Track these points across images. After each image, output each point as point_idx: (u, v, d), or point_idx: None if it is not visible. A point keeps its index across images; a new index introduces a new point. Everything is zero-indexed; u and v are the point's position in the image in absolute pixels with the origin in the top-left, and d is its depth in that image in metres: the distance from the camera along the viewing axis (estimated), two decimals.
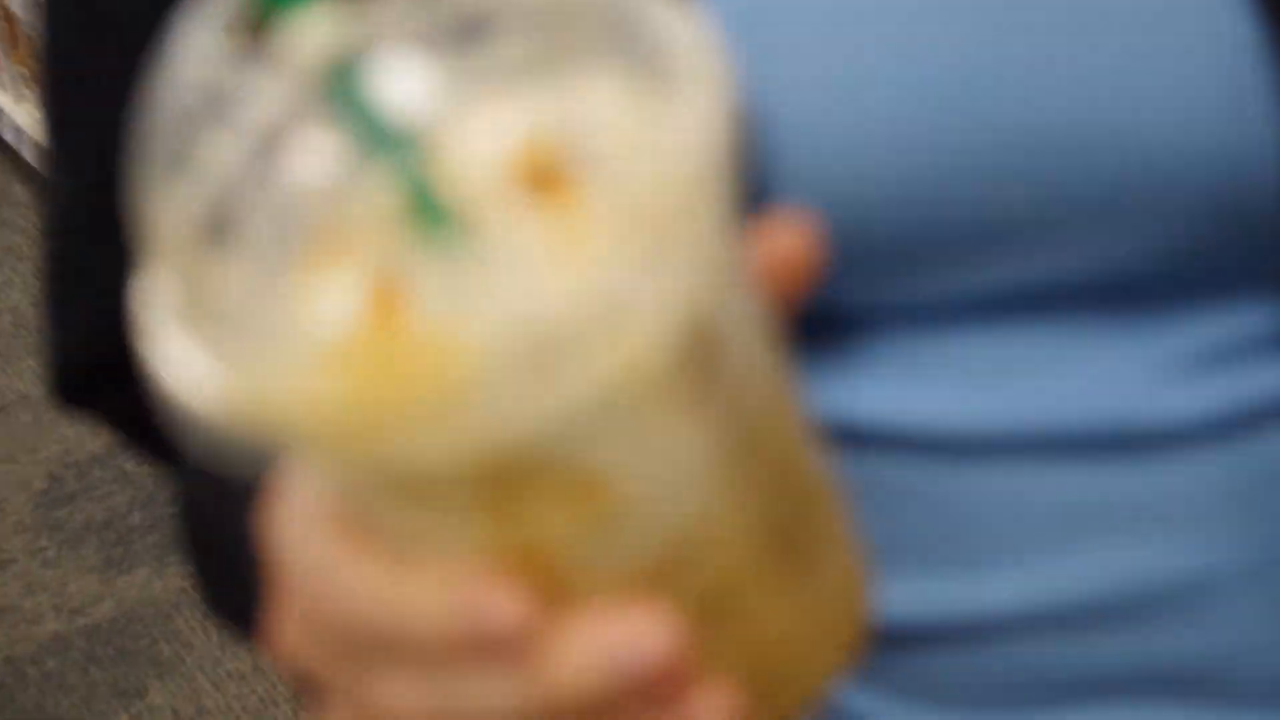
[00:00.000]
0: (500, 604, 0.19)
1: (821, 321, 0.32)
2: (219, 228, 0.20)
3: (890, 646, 0.32)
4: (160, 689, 1.65)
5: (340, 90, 0.19)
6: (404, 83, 0.20)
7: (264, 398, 0.18)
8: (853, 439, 0.32)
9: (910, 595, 0.34)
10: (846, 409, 0.33)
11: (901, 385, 0.35)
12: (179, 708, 1.61)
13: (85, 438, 1.92)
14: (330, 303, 0.19)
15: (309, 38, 0.19)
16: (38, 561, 1.83)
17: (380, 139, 0.19)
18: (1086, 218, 0.32)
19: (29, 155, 2.24)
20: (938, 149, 0.31)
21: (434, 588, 0.20)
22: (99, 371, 0.44)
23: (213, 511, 0.36)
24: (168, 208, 0.20)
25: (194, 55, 0.20)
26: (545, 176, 0.19)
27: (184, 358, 0.19)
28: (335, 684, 0.23)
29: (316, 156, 0.20)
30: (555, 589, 0.20)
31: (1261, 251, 0.33)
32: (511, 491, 0.20)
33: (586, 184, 0.19)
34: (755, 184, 0.28)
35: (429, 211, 0.19)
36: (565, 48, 0.21)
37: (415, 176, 0.19)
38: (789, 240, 0.21)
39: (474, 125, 0.20)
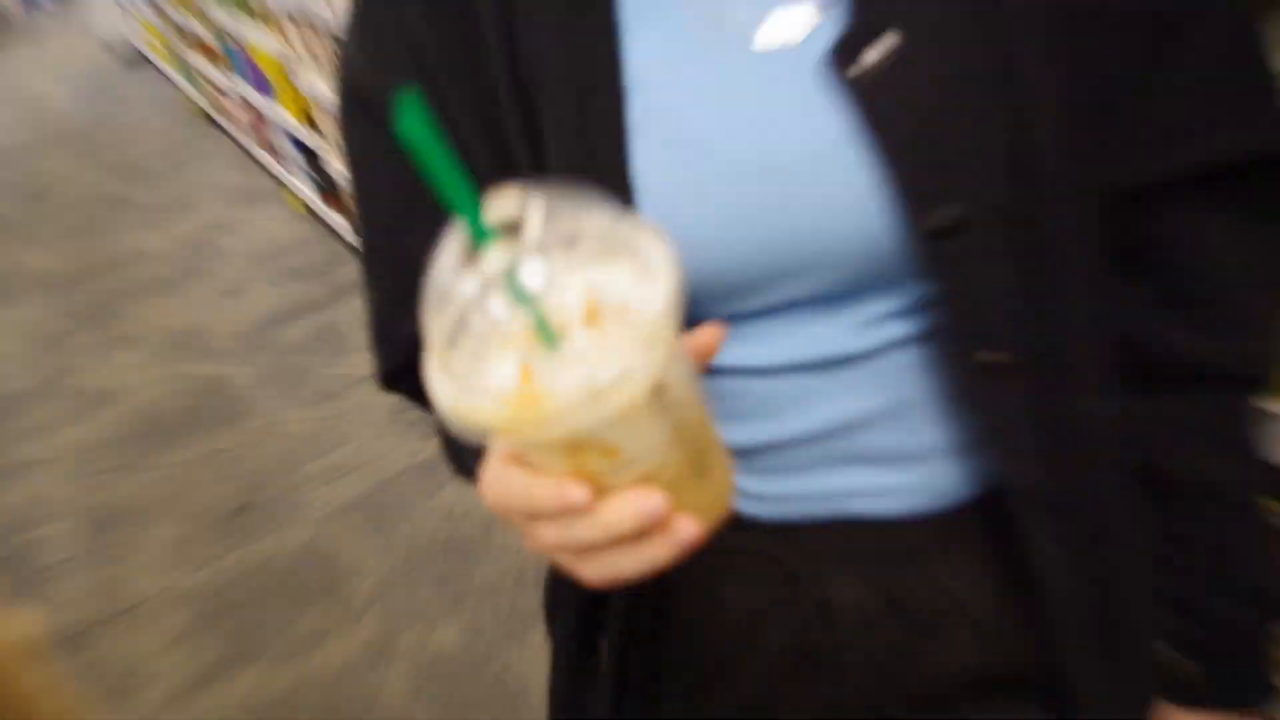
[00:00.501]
0: (574, 490, 0.48)
1: (715, 320, 0.66)
2: (455, 338, 0.47)
3: (742, 455, 0.76)
4: None
5: (508, 279, 0.45)
6: (534, 274, 0.46)
7: (473, 414, 0.45)
8: (718, 371, 0.72)
9: (749, 433, 0.75)
10: (733, 359, 0.72)
11: (736, 346, 0.71)
12: None
13: None
14: (503, 372, 0.46)
15: (494, 255, 0.45)
16: None
17: (524, 300, 0.45)
18: (808, 271, 0.66)
19: None
20: (745, 247, 0.65)
21: (548, 484, 0.50)
22: (404, 371, 0.75)
23: (461, 450, 0.73)
24: (433, 329, 0.46)
25: (444, 261, 0.46)
26: (594, 316, 0.46)
27: (441, 391, 0.46)
28: (512, 524, 0.54)
29: (498, 308, 0.46)
30: (598, 488, 0.48)
31: (890, 271, 0.66)
32: (578, 450, 0.47)
33: (612, 320, 0.46)
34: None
35: (544, 332, 0.46)
36: (605, 251, 0.47)
37: (539, 316, 0.45)
38: (705, 336, 0.57)
39: (566, 294, 0.46)
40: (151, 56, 8.00)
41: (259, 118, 5.01)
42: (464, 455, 0.72)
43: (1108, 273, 0.70)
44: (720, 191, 0.63)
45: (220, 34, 5.14)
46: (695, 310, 0.68)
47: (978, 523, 0.75)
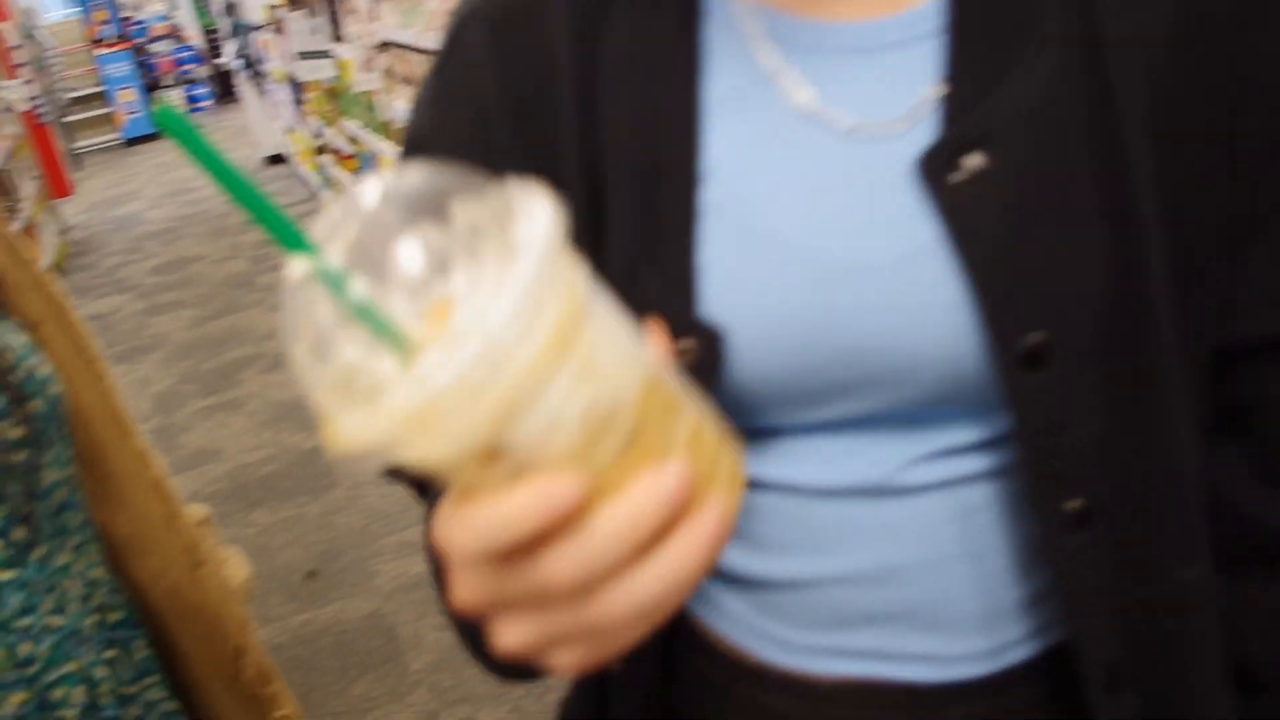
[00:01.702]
0: (562, 485, 0.36)
1: (762, 432, 0.63)
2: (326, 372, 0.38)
3: (771, 589, 0.67)
4: None
5: (326, 279, 0.37)
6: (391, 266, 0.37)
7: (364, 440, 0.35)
8: (773, 488, 0.65)
9: (784, 566, 0.66)
10: (775, 474, 0.65)
11: (781, 461, 0.64)
12: None
13: None
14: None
15: (300, 261, 0.37)
16: None
17: (348, 304, 0.36)
18: (880, 384, 0.60)
19: None
20: (814, 352, 0.59)
21: (525, 492, 0.36)
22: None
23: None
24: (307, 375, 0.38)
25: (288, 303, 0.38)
26: (440, 313, 0.35)
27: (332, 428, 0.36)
28: (494, 597, 0.40)
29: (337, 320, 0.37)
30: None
31: (967, 397, 0.60)
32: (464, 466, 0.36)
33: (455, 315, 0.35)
34: (724, 367, 0.59)
35: (387, 338, 0.36)
36: (464, 248, 0.36)
37: (372, 319, 0.36)
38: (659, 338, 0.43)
39: (409, 294, 0.36)
40: (291, 156, 8.56)
41: None
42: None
43: (1202, 427, 0.64)
44: (793, 289, 0.58)
45: (354, 143, 5.55)
46: (746, 419, 0.62)
47: (1030, 693, 0.67)
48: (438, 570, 0.57)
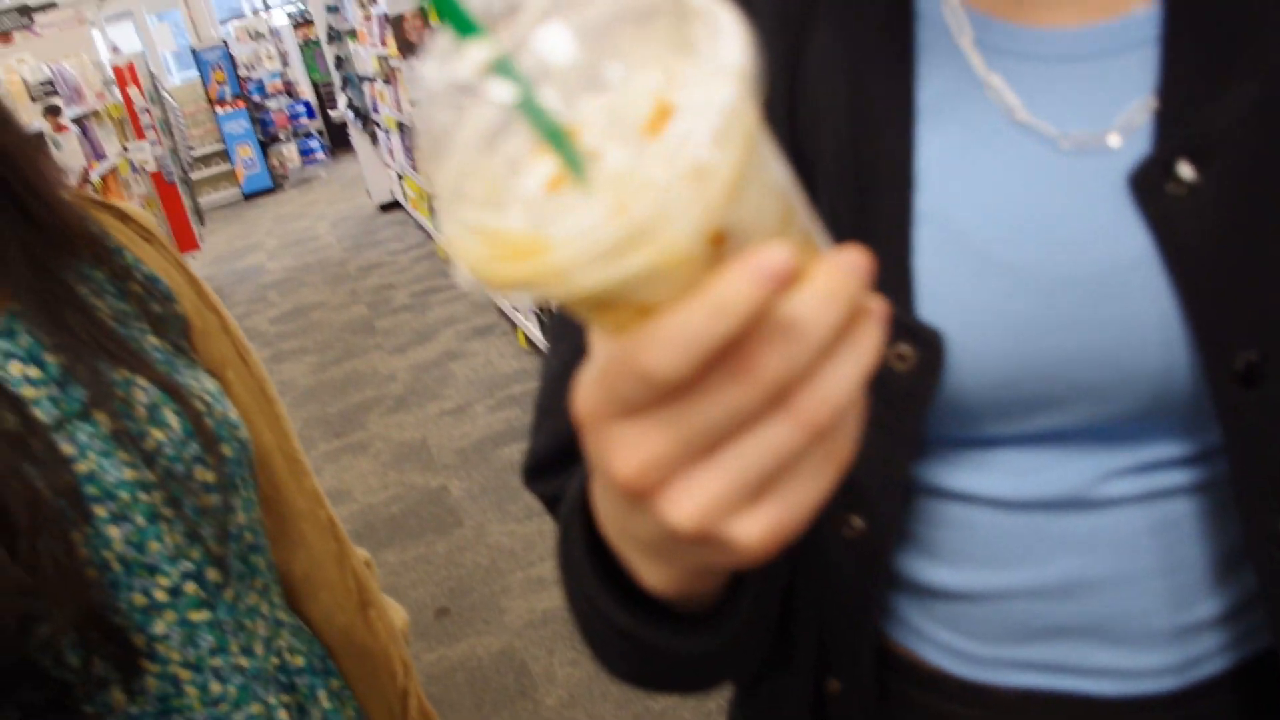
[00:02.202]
0: (777, 253, 0.30)
1: (961, 442, 0.63)
2: (482, 157, 0.33)
3: (956, 600, 0.66)
4: None
5: (501, 68, 0.32)
6: (547, 53, 0.32)
7: (467, 260, 0.31)
8: (946, 495, 0.64)
9: (971, 578, 0.65)
10: (966, 484, 0.64)
11: (978, 471, 0.64)
12: None
13: None
14: (517, 206, 0.32)
15: (477, 48, 0.32)
16: None
17: (526, 104, 0.32)
18: (1086, 397, 0.59)
19: None
20: (1025, 365, 0.58)
21: (699, 296, 0.31)
22: (549, 466, 0.71)
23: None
24: (442, 157, 0.33)
25: (430, 77, 0.33)
26: (661, 118, 0.31)
27: (445, 230, 0.33)
28: (677, 441, 0.34)
29: (505, 121, 0.33)
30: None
31: (1176, 411, 0.59)
32: (613, 307, 0.33)
33: (658, 134, 0.31)
34: (942, 372, 0.59)
35: (558, 146, 0.32)
36: (650, 38, 0.33)
37: (546, 124, 0.32)
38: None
39: (596, 95, 0.33)
40: (405, 204, 8.80)
41: None
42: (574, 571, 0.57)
43: None
44: (1003, 300, 0.58)
45: None
46: (953, 428, 0.62)
47: (1218, 708, 0.65)
48: (575, 583, 0.56)
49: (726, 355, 0.32)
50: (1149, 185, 0.56)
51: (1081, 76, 0.59)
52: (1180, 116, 0.56)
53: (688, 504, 0.34)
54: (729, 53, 0.31)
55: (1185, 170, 0.56)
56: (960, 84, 0.60)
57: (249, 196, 12.42)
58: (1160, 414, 0.59)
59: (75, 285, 0.85)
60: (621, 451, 0.34)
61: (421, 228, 8.07)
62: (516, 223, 0.32)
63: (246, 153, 12.32)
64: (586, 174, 0.31)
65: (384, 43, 6.58)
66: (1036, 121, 0.59)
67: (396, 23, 5.46)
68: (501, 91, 0.32)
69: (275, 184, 12.56)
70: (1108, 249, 0.57)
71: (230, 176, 12.50)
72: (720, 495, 0.34)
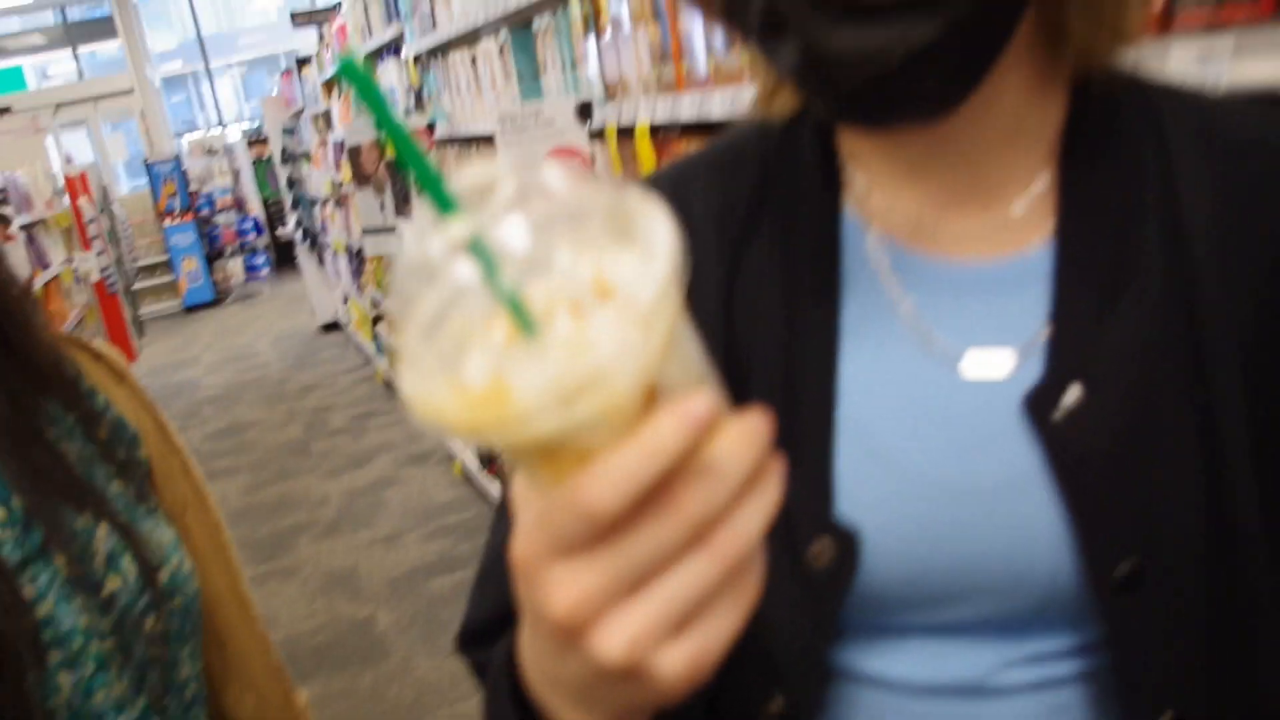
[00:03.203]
0: (699, 403, 0.36)
1: (873, 629, 0.67)
2: (437, 325, 0.38)
3: None
4: None
5: (474, 247, 0.37)
6: (508, 239, 0.38)
7: (429, 408, 0.37)
8: (858, 679, 0.68)
9: None
10: (880, 670, 0.68)
11: (885, 658, 0.68)
12: None
13: None
14: (478, 363, 0.37)
15: (457, 224, 0.37)
16: None
17: (491, 275, 0.37)
18: (986, 594, 0.65)
19: None
20: (931, 563, 0.64)
21: (629, 443, 0.36)
22: (486, 633, 0.72)
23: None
24: (407, 319, 0.38)
25: (416, 243, 0.39)
26: (601, 293, 0.37)
27: (404, 381, 0.38)
28: (606, 577, 0.38)
29: (476, 292, 0.37)
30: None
31: (1065, 610, 0.64)
32: (557, 456, 0.38)
33: (603, 306, 0.37)
34: (858, 566, 0.64)
35: (518, 314, 0.37)
36: (597, 226, 0.39)
37: (508, 294, 0.37)
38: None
39: (552, 271, 0.38)
40: (347, 325, 8.82)
41: None
42: None
43: None
44: (916, 507, 0.64)
45: None
46: (864, 618, 0.67)
47: None
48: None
49: (655, 495, 0.37)
50: (1041, 406, 0.63)
51: (984, 305, 0.66)
52: (1069, 345, 0.63)
53: (618, 636, 0.38)
54: (661, 242, 0.38)
55: (1074, 393, 0.62)
56: (878, 308, 0.68)
57: (190, 309, 12.36)
58: (1051, 611, 0.64)
59: (46, 428, 0.88)
60: (558, 590, 0.38)
61: (362, 350, 8.09)
62: (477, 375, 0.37)
63: (191, 265, 12.30)
64: (541, 336, 0.37)
65: (338, 167, 6.70)
66: (942, 344, 0.66)
67: (353, 153, 5.57)
68: (472, 264, 0.37)
69: (218, 298, 12.52)
70: (1003, 463, 0.63)
71: (173, 288, 12.45)
72: (647, 628, 0.38)
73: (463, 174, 0.40)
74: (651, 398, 0.38)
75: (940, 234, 0.68)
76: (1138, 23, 0.64)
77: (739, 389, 0.66)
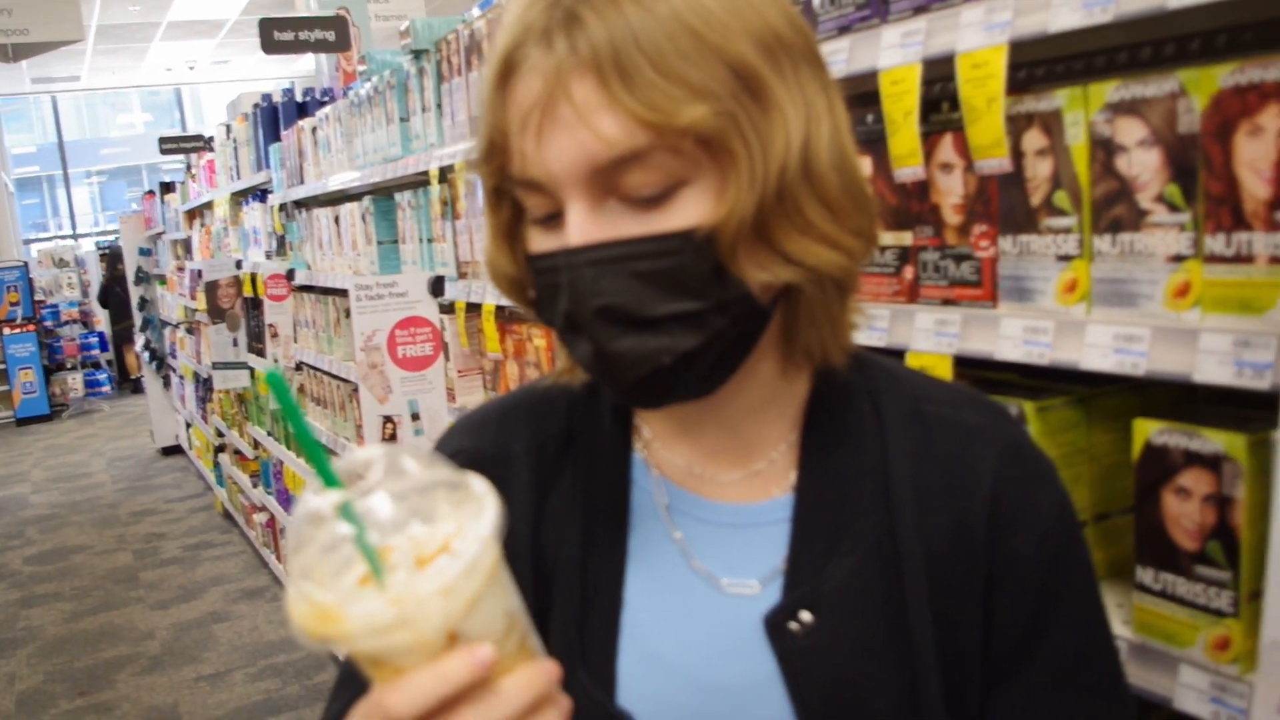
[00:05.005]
0: (482, 652, 0.56)
1: None
2: (323, 557, 0.57)
3: None
4: None
5: (343, 511, 0.57)
6: (372, 510, 0.57)
7: (292, 613, 0.56)
8: None
9: None
10: None
11: None
12: None
13: None
14: (339, 586, 0.57)
15: (331, 494, 0.57)
16: None
17: (354, 530, 0.56)
18: None
19: None
20: None
21: (459, 655, 0.56)
22: None
23: None
24: (301, 551, 0.58)
25: (301, 516, 0.58)
26: (438, 548, 0.57)
27: (288, 591, 0.58)
28: None
29: (338, 543, 0.57)
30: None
31: None
32: (376, 664, 0.57)
33: (433, 565, 0.55)
34: None
35: (369, 561, 0.56)
36: (443, 501, 0.60)
37: (363, 545, 0.56)
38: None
39: (400, 532, 0.58)
40: (188, 450, 8.69)
41: (272, 522, 5.51)
42: None
43: None
44: (680, 697, 0.78)
45: (257, 448, 5.78)
46: None
47: None
48: None
49: (444, 709, 0.56)
50: (777, 625, 0.77)
51: (737, 539, 0.82)
52: (800, 578, 0.79)
53: None
54: (485, 519, 0.57)
55: (804, 616, 0.77)
56: (657, 536, 0.84)
57: (21, 422, 11.90)
58: None
59: None
60: None
61: (202, 478, 7.97)
62: (330, 599, 0.53)
63: (28, 377, 11.90)
64: (384, 580, 0.54)
65: (193, 296, 6.74)
66: (705, 569, 0.81)
67: (210, 287, 5.68)
68: (343, 524, 0.55)
69: (53, 412, 12.10)
70: (748, 667, 0.78)
71: (5, 399, 11.99)
72: None
73: (344, 459, 0.59)
74: (454, 639, 0.55)
75: (705, 480, 0.84)
76: (849, 337, 0.82)
77: (543, 599, 0.82)
